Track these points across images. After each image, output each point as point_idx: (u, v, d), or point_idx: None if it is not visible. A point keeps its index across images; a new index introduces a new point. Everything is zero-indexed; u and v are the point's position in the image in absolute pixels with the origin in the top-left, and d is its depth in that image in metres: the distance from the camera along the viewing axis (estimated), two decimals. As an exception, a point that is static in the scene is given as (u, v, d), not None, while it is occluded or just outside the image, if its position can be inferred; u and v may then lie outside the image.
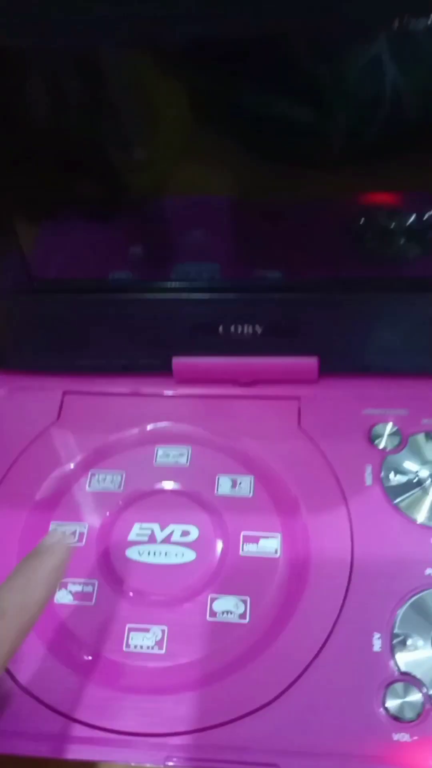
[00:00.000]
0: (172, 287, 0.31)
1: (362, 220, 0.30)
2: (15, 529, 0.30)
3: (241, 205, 0.29)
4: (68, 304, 0.32)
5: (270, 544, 0.29)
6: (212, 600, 0.28)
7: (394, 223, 0.30)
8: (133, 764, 0.25)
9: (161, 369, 0.34)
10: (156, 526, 0.30)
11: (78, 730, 0.25)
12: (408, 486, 0.30)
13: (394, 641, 0.26)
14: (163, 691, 0.26)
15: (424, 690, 0.25)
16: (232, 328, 0.31)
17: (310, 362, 0.33)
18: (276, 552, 0.29)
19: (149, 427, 0.33)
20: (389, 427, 0.32)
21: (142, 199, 0.30)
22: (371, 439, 0.31)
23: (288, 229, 0.30)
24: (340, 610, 0.27)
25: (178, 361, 0.33)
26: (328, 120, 0.26)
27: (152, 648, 0.27)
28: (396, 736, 0.24)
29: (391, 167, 0.27)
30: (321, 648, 0.26)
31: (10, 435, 0.34)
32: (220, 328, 0.32)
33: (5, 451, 0.33)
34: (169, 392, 0.34)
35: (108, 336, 0.33)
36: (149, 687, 0.26)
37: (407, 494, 0.30)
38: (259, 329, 0.31)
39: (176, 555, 0.29)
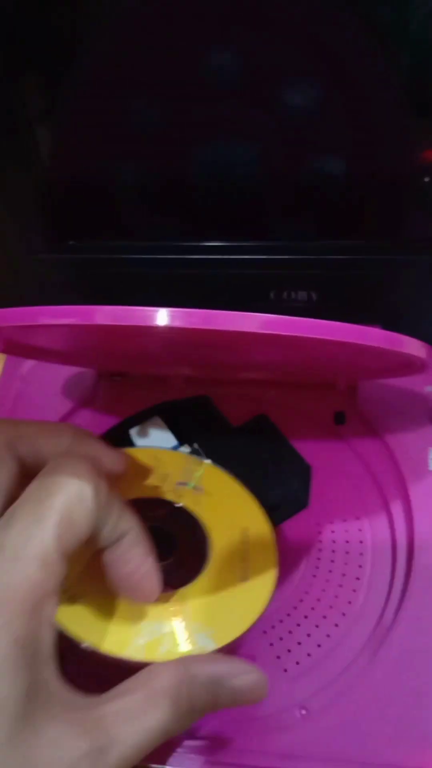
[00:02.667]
0: (217, 247, 0.28)
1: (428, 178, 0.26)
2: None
3: (300, 160, 0.26)
4: (101, 267, 0.30)
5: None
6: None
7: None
8: None
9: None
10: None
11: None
12: None
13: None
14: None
15: None
16: (285, 294, 0.29)
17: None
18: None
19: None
20: (456, 407, 0.29)
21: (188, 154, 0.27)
22: (436, 418, 0.29)
23: (343, 188, 0.27)
24: (398, 609, 0.24)
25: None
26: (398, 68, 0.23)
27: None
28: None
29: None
30: (376, 650, 0.24)
31: (42, 405, 0.32)
32: (272, 294, 0.29)
33: (45, 418, 0.31)
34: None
35: (148, 302, 0.31)
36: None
37: None
38: (314, 295, 0.28)
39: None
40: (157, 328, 0.18)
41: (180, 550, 0.24)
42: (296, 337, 0.18)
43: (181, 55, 0.25)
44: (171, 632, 0.22)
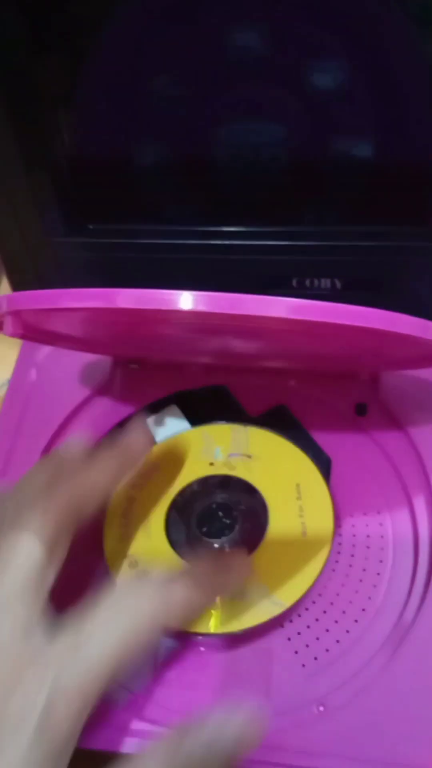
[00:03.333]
0: (239, 232, 0.28)
1: None
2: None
3: (326, 142, 0.26)
4: (122, 251, 0.29)
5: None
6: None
7: None
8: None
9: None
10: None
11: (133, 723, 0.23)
12: None
13: None
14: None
15: None
16: (308, 282, 0.28)
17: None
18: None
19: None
20: None
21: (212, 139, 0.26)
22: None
23: (370, 172, 0.26)
24: (420, 604, 0.24)
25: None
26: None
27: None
28: None
29: None
30: (397, 647, 0.23)
31: (58, 393, 0.31)
32: (294, 281, 0.28)
33: (53, 410, 0.30)
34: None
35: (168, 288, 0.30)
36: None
37: None
38: (338, 283, 0.27)
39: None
40: (182, 312, 0.18)
41: (242, 520, 0.26)
42: (326, 323, 0.17)
43: (206, 33, 0.24)
44: (243, 599, 0.23)
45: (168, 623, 0.19)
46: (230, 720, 0.18)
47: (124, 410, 0.31)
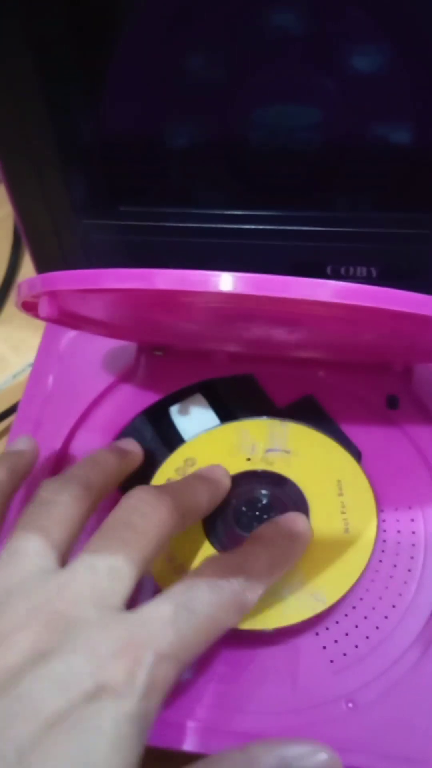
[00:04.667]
0: (272, 217, 0.27)
1: None
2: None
3: (364, 126, 0.25)
4: (152, 234, 0.29)
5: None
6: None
7: None
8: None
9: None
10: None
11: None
12: None
13: None
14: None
15: None
16: (343, 269, 0.27)
17: (430, 314, 0.28)
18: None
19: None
20: None
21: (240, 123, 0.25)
22: None
23: (409, 157, 0.25)
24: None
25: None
26: None
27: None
28: None
29: None
30: (429, 641, 0.23)
31: (81, 380, 0.31)
32: (329, 269, 0.27)
33: (75, 397, 0.30)
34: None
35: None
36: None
37: None
38: (374, 271, 0.27)
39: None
40: (222, 294, 0.17)
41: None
42: (372, 308, 0.17)
43: (241, 12, 0.24)
44: (287, 596, 0.23)
45: (251, 600, 0.20)
46: (315, 754, 0.18)
47: (148, 398, 0.30)
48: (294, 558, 0.23)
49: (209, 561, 0.21)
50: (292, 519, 0.24)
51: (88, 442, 0.29)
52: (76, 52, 0.24)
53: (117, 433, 0.29)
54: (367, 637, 0.24)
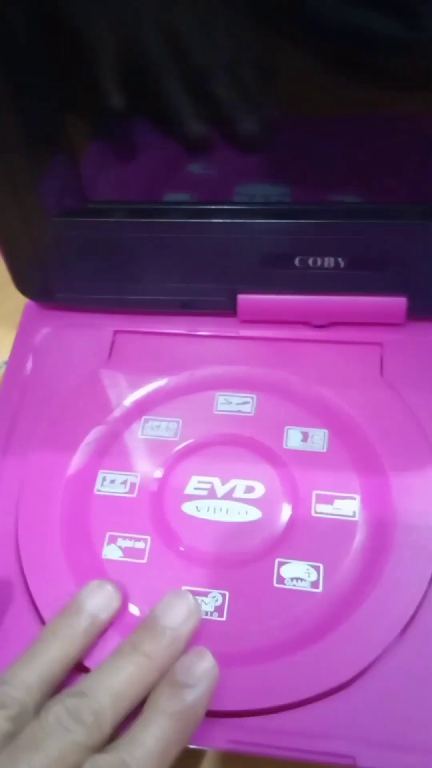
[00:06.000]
0: (238, 210, 0.27)
1: None
2: (60, 475, 0.27)
3: (323, 121, 0.25)
4: (121, 230, 0.29)
5: (347, 506, 0.25)
6: (280, 564, 0.24)
7: None
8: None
9: (224, 307, 0.30)
10: (216, 480, 0.27)
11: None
12: None
13: None
14: (222, 663, 0.23)
15: None
16: (311, 261, 0.27)
17: (398, 303, 0.28)
18: (354, 514, 0.25)
19: (210, 371, 0.30)
20: None
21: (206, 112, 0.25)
22: (465, 391, 0.27)
23: (375, 149, 0.26)
24: (430, 582, 0.23)
25: (245, 299, 0.30)
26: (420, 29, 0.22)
27: (211, 614, 0.24)
28: None
29: None
30: (407, 624, 0.23)
31: (56, 376, 0.31)
32: (297, 260, 0.28)
33: (51, 393, 0.30)
34: (230, 333, 0.31)
35: (165, 268, 0.30)
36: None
37: None
38: (342, 262, 0.27)
39: (239, 512, 0.26)
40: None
41: None
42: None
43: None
44: None
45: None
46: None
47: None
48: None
49: None
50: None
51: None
52: (38, 41, 0.24)
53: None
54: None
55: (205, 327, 0.31)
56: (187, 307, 0.31)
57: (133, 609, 0.24)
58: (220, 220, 0.28)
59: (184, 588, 0.24)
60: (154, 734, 0.19)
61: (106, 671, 0.21)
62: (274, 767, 0.22)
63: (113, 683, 0.20)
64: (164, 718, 0.20)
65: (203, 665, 0.21)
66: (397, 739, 0.21)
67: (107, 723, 0.20)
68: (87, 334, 0.32)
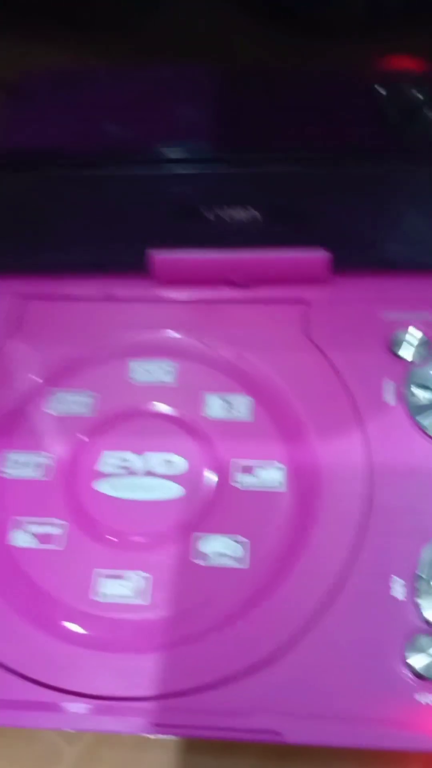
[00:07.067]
0: (145, 159, 0.25)
1: (385, 91, 0.23)
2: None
3: (234, 68, 0.23)
4: (23, 184, 0.26)
5: (272, 476, 0.24)
6: (203, 541, 0.23)
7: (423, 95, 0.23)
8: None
9: (138, 267, 0.28)
10: (133, 456, 0.25)
11: (42, 695, 0.21)
12: (437, 405, 0.25)
13: (419, 586, 0.22)
14: (144, 647, 0.22)
15: (456, 644, 0.21)
16: (224, 214, 0.25)
17: (320, 257, 0.27)
18: (279, 484, 0.24)
19: (125, 337, 0.28)
20: (415, 334, 0.26)
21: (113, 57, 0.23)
22: (393, 349, 0.26)
23: (292, 95, 0.24)
24: (355, 552, 0.23)
25: (158, 257, 0.27)
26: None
27: (131, 597, 0.23)
28: (420, 698, 0.21)
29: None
30: (331, 595, 0.22)
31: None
32: (210, 213, 0.26)
33: None
34: (147, 295, 0.28)
35: (72, 225, 0.27)
36: (127, 643, 0.22)
37: (436, 415, 0.25)
38: (258, 214, 0.25)
39: (158, 489, 0.24)
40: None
41: None
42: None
43: None
44: None
45: None
46: None
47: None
48: None
49: None
50: None
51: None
52: None
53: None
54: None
55: (120, 289, 0.29)
56: (98, 269, 0.28)
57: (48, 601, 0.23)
58: (125, 172, 0.25)
59: (105, 573, 0.23)
60: None
61: None
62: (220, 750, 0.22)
63: None
64: None
65: None
66: (322, 710, 0.21)
67: None
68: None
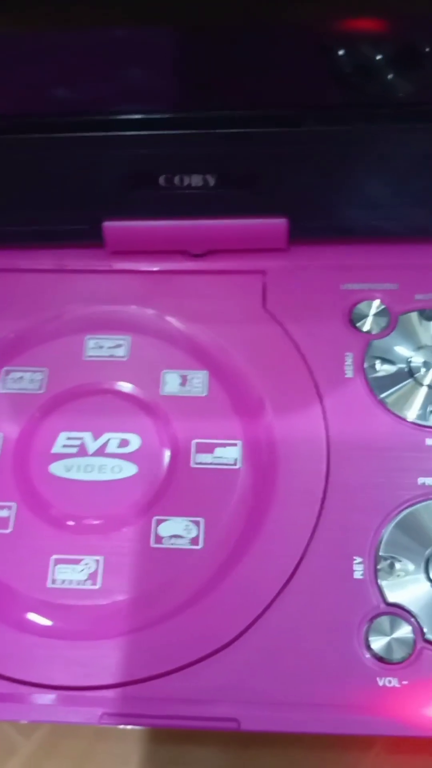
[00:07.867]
0: (96, 122, 0.23)
1: (343, 48, 0.22)
2: None
3: (183, 28, 0.21)
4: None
5: (228, 453, 0.23)
6: (158, 523, 0.23)
7: (380, 54, 0.22)
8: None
9: (90, 237, 0.26)
10: (87, 435, 0.24)
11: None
12: (397, 377, 0.24)
13: (379, 566, 0.21)
14: (97, 634, 0.21)
15: (415, 624, 0.21)
16: (177, 179, 0.24)
17: (277, 224, 0.25)
18: (236, 462, 0.23)
19: (79, 311, 0.26)
20: (374, 306, 0.26)
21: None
22: (352, 320, 0.25)
23: (246, 53, 0.22)
24: (314, 531, 0.22)
25: (110, 226, 0.26)
26: None
27: (84, 582, 0.22)
28: (382, 681, 0.20)
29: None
30: (289, 577, 0.22)
31: None
32: (161, 179, 0.24)
33: None
34: (100, 267, 0.27)
35: (18, 193, 0.26)
36: (80, 630, 0.21)
37: (396, 387, 0.24)
38: (211, 180, 0.24)
39: (113, 469, 0.23)
40: None
41: None
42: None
43: None
44: None
45: None
46: None
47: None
48: None
49: None
50: None
51: None
52: None
53: None
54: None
55: (71, 260, 0.27)
56: (48, 240, 0.27)
57: (-2, 587, 0.22)
58: (75, 135, 0.24)
59: (54, 557, 0.22)
60: None
61: None
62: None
63: None
64: None
65: None
66: (282, 696, 0.20)
67: None
68: None
